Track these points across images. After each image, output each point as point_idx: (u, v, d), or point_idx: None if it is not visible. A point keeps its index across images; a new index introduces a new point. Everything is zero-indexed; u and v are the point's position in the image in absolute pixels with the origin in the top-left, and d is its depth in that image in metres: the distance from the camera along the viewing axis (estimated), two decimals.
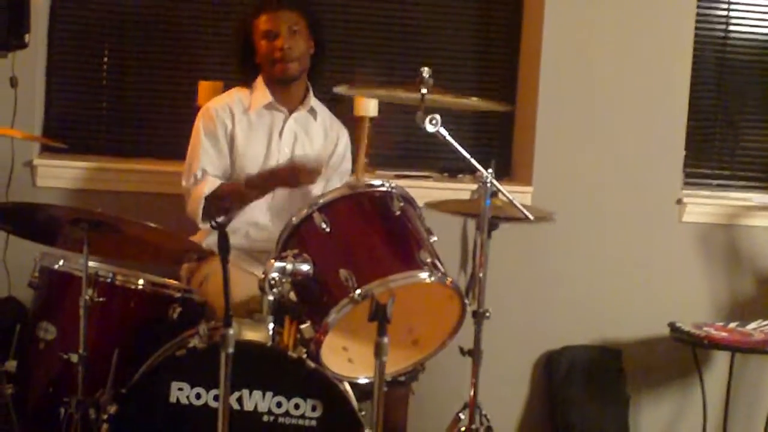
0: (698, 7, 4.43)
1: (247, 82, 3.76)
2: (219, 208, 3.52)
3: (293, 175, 3.53)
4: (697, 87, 4.48)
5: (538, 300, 4.34)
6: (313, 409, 2.90)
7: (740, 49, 4.63)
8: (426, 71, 3.06)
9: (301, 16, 3.68)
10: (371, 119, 4.16)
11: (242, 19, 3.77)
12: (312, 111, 3.79)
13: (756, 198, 4.57)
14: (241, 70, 3.76)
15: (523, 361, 4.39)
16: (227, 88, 3.87)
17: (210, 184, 3.59)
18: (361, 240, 2.83)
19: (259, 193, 3.60)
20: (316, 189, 3.61)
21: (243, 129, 3.68)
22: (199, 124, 3.68)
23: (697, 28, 4.43)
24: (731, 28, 4.62)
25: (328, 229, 2.80)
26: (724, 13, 4.59)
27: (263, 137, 3.71)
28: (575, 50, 4.31)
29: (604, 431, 4.32)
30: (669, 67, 4.38)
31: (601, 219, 4.37)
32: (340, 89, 3.46)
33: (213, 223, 2.61)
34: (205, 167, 3.63)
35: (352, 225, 2.86)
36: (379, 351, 2.51)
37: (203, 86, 4.06)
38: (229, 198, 3.58)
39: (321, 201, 2.85)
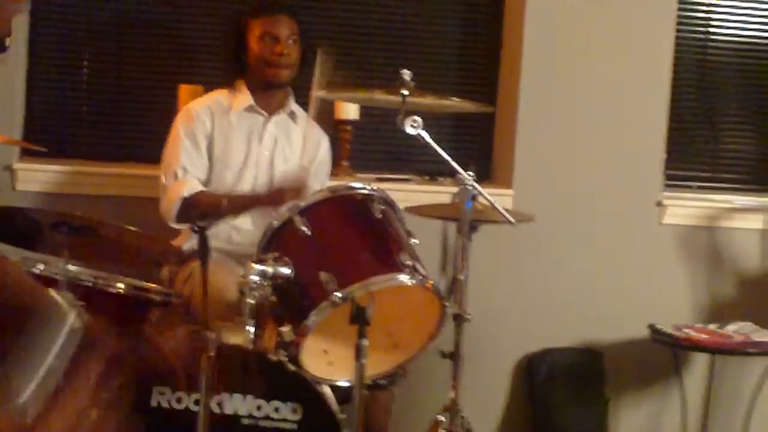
0: (679, 9, 4.45)
1: (230, 83, 3.76)
2: (194, 215, 3.51)
3: (278, 197, 3.52)
4: (678, 89, 4.49)
5: (518, 303, 4.34)
6: (293, 412, 2.90)
7: (721, 51, 4.65)
8: (406, 74, 3.06)
9: (297, 25, 3.70)
10: (352, 123, 4.17)
11: (238, 17, 3.76)
12: (292, 115, 3.80)
13: (737, 200, 4.59)
14: (229, 67, 3.76)
15: (504, 363, 4.39)
16: (208, 92, 3.87)
17: (190, 186, 3.59)
18: (342, 243, 2.83)
19: (239, 213, 3.61)
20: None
21: (223, 131, 3.69)
22: (179, 124, 3.68)
23: (678, 30, 4.45)
24: (712, 30, 4.63)
25: (308, 232, 2.79)
26: (705, 15, 4.61)
27: (243, 140, 3.71)
28: (556, 53, 4.32)
29: None
30: (649, 69, 4.40)
31: (581, 221, 4.38)
32: (320, 93, 3.46)
33: (195, 227, 2.61)
34: (186, 166, 3.62)
35: (332, 228, 2.86)
36: (359, 354, 2.51)
37: (184, 90, 4.05)
38: (207, 209, 3.57)
39: (301, 204, 2.85)
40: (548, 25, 4.30)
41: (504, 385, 4.40)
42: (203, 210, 3.55)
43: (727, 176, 4.71)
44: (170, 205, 3.58)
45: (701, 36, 4.62)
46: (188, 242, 3.62)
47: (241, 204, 3.61)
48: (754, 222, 4.53)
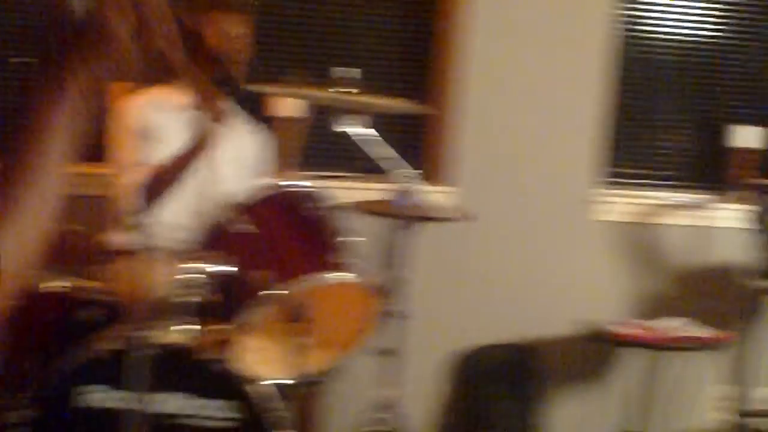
0: (616, 8, 4.48)
1: (170, 78, 3.74)
2: (151, 196, 3.45)
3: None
4: (614, 87, 4.52)
5: (456, 299, 4.37)
6: (231, 410, 2.90)
7: (659, 49, 4.69)
8: (347, 71, 3.07)
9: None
10: (295, 120, 4.16)
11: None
12: (233, 111, 3.78)
13: (671, 197, 4.65)
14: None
15: (440, 360, 4.41)
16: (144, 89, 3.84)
17: (138, 174, 3.56)
18: (279, 240, 2.84)
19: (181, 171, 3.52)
20: (234, 190, 3.59)
21: (162, 126, 3.66)
22: (117, 120, 3.65)
23: (616, 28, 4.49)
24: (650, 27, 4.68)
25: (246, 230, 2.80)
26: (644, 13, 4.65)
27: (182, 136, 3.69)
28: (496, 50, 4.35)
29: (520, 429, 4.37)
30: (586, 66, 4.44)
31: (519, 218, 4.41)
32: (262, 89, 3.45)
33: (132, 222, 2.60)
34: (131, 159, 3.60)
35: (269, 225, 2.86)
36: (295, 351, 2.52)
37: (117, 87, 4.01)
38: (160, 182, 3.50)
39: (239, 201, 2.84)
40: (489, 25, 4.31)
41: (440, 382, 4.42)
42: (157, 187, 3.46)
43: (662, 173, 4.76)
44: (128, 199, 3.51)
45: (639, 34, 4.66)
46: (119, 238, 3.58)
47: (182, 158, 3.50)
48: (689, 218, 4.59)
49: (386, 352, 3.22)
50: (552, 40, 4.40)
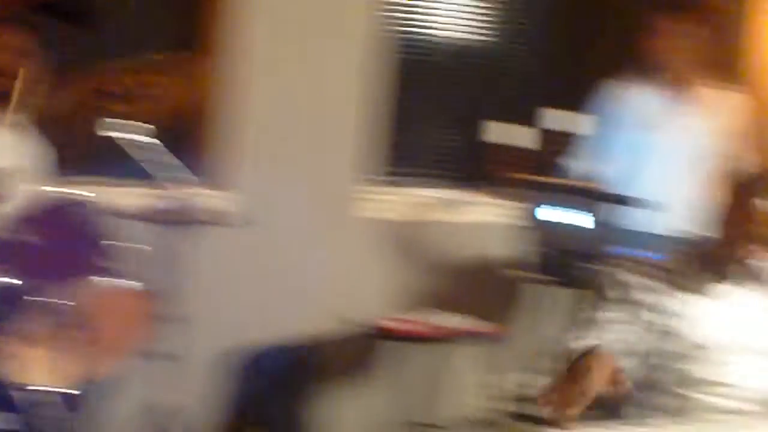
0: (375, 9, 4.59)
1: None
2: None
3: None
4: (382, 87, 4.63)
5: (233, 301, 4.38)
6: (8, 421, 2.87)
7: (427, 50, 4.87)
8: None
9: None
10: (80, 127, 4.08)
11: None
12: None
13: (438, 193, 4.82)
14: None
15: (219, 361, 4.42)
16: None
17: None
18: (53, 249, 2.83)
19: None
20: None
21: None
22: None
23: (383, 30, 4.61)
24: (420, 29, 4.85)
25: (19, 239, 2.78)
26: (402, 15, 4.79)
27: None
28: (264, 54, 4.41)
29: (299, 426, 4.47)
30: (350, 67, 4.55)
31: (291, 220, 4.46)
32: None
33: None
34: None
35: (44, 234, 2.85)
36: (73, 358, 2.52)
37: None
38: None
39: (9, 212, 2.81)
40: (255, 28, 4.38)
41: (219, 383, 4.44)
42: None
43: (428, 171, 4.91)
44: None
45: (407, 36, 4.81)
46: None
47: None
48: (454, 215, 4.78)
49: (166, 356, 3.23)
50: (315, 44, 4.49)
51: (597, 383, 2.60)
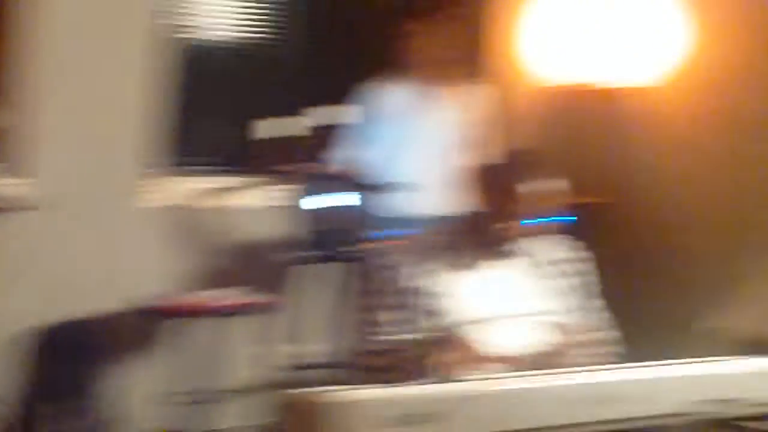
0: (155, 7, 4.78)
1: None
2: None
3: None
4: (166, 80, 4.80)
5: (21, 284, 4.49)
6: None
7: (209, 45, 5.12)
8: None
9: None
10: None
11: None
12: None
13: (216, 182, 5.04)
14: None
15: (7, 342, 4.51)
16: None
17: None
18: None
19: None
20: None
21: None
22: None
23: (166, 26, 4.81)
24: (203, 26, 5.09)
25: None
26: (183, 10, 4.99)
27: None
28: (56, 48, 4.53)
29: (85, 399, 4.62)
30: (131, 63, 4.72)
31: (78, 206, 4.58)
32: None
33: None
34: None
35: None
36: None
37: None
38: None
39: None
40: (54, 20, 4.51)
41: (8, 363, 4.51)
42: None
43: (209, 160, 5.13)
44: None
45: (183, 35, 5.00)
46: None
47: None
48: (232, 201, 5.03)
49: None
50: (101, 42, 4.64)
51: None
